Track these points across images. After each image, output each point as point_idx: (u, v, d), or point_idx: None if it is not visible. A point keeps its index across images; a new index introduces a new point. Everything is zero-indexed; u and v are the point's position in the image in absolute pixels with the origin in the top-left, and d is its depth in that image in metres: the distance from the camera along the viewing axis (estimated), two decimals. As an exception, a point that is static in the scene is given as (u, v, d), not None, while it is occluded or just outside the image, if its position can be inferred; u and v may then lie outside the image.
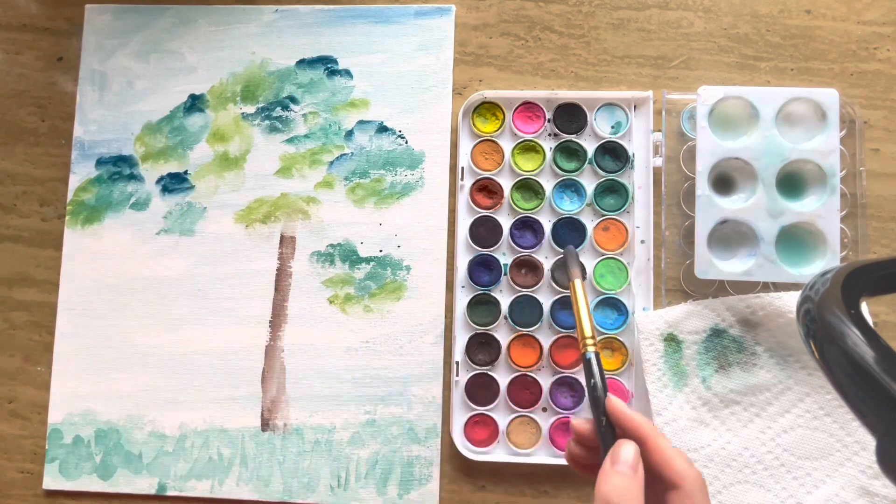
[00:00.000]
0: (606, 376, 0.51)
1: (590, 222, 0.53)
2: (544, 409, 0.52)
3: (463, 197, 0.54)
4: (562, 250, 0.52)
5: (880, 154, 0.53)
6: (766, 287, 0.51)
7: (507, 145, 0.54)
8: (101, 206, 0.56)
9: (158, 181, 0.56)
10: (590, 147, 0.53)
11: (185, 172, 0.56)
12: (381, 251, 0.54)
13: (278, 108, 0.56)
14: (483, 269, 0.53)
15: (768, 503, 0.48)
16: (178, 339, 0.54)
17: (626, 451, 0.37)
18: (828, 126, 0.50)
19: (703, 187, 0.50)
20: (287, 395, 0.53)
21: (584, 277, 0.46)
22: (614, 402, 0.39)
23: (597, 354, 0.41)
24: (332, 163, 0.55)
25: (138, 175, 0.56)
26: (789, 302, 0.49)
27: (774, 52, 0.54)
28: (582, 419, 0.40)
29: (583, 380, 0.51)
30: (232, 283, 0.54)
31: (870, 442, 0.48)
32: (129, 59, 0.57)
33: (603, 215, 0.53)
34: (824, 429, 0.49)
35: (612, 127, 0.54)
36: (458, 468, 0.52)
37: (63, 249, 0.56)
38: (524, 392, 0.52)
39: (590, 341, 0.41)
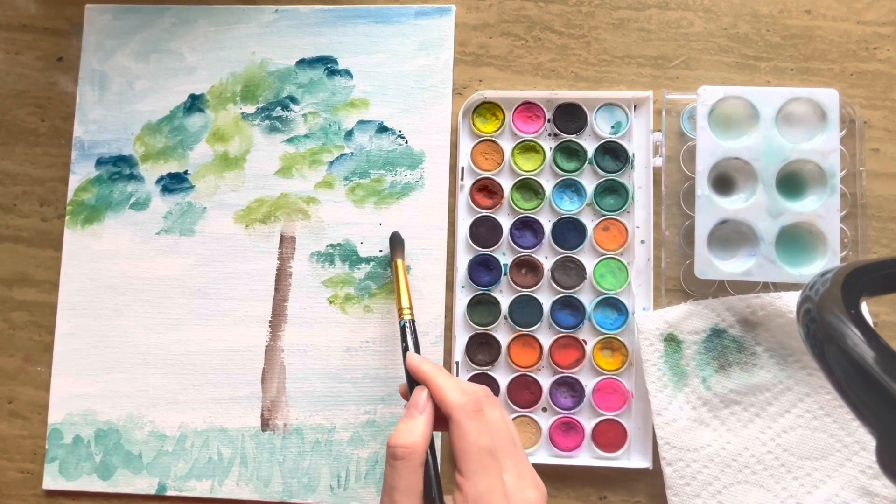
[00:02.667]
0: (606, 377, 0.52)
1: (590, 222, 0.53)
2: (544, 409, 0.52)
3: (463, 197, 0.54)
4: (562, 250, 0.52)
5: (880, 154, 0.53)
6: (766, 287, 0.51)
7: (507, 145, 0.54)
8: (100, 206, 0.56)
9: (158, 181, 0.56)
10: (590, 147, 0.54)
11: (185, 172, 0.56)
12: (381, 251, 0.54)
13: (278, 108, 0.56)
14: (483, 269, 0.53)
15: (768, 503, 0.48)
16: (178, 338, 0.54)
17: (416, 396, 0.41)
18: (828, 126, 0.50)
19: (703, 187, 0.50)
20: (287, 395, 0.53)
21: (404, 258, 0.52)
22: (409, 357, 0.43)
23: (411, 322, 0.47)
24: (331, 163, 0.55)
25: (138, 175, 0.56)
26: (789, 302, 0.49)
27: (774, 52, 0.54)
28: (404, 384, 0.45)
29: (582, 379, 0.52)
30: (232, 283, 0.54)
31: (870, 442, 0.48)
32: (128, 59, 0.57)
33: (603, 215, 0.53)
34: (824, 429, 0.49)
35: (612, 127, 0.54)
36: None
37: (63, 249, 0.56)
38: (524, 392, 0.52)
39: (406, 311, 0.47)
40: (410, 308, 0.47)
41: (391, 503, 0.38)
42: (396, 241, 0.52)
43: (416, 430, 0.39)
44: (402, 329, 0.46)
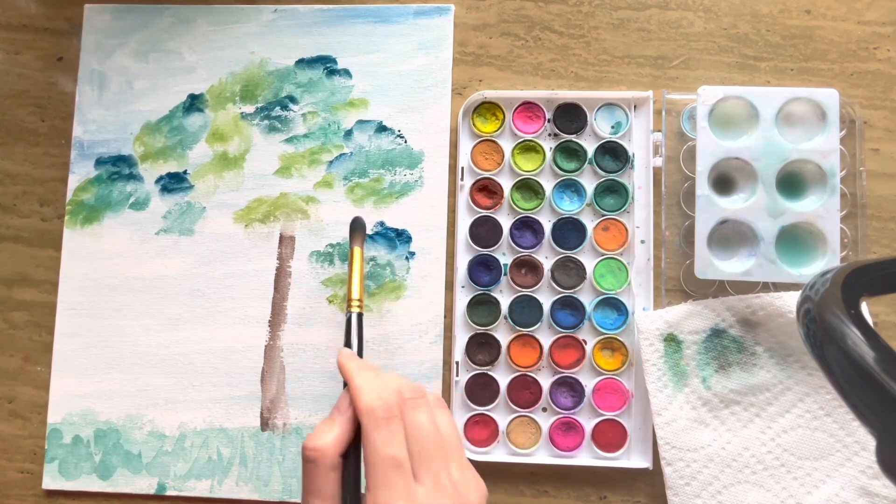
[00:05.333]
0: (606, 377, 0.51)
1: (590, 222, 0.53)
2: (544, 409, 0.52)
3: (463, 197, 0.54)
4: (562, 250, 0.52)
5: (880, 154, 0.53)
6: (766, 287, 0.51)
7: (507, 145, 0.54)
8: (100, 205, 0.56)
9: (158, 181, 0.56)
10: (590, 147, 0.53)
11: (185, 172, 0.56)
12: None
13: (277, 108, 0.56)
14: (483, 269, 0.53)
15: (768, 503, 0.48)
16: (177, 338, 0.54)
17: (341, 396, 0.39)
18: (828, 126, 0.50)
19: (703, 187, 0.50)
20: (286, 395, 0.53)
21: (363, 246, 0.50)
22: (341, 353, 0.42)
23: (359, 315, 0.45)
24: (331, 162, 0.55)
25: (137, 175, 0.56)
26: (789, 302, 0.49)
27: (774, 52, 0.54)
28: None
29: (583, 379, 0.51)
30: (231, 283, 0.54)
31: (870, 442, 0.48)
32: (128, 58, 0.57)
33: (603, 215, 0.53)
34: (824, 429, 0.49)
35: (612, 127, 0.54)
36: (457, 468, 0.52)
37: (62, 249, 0.56)
38: (524, 392, 0.52)
39: (355, 303, 0.45)
40: (360, 300, 0.45)
41: None
42: (357, 226, 0.50)
43: (329, 432, 0.37)
44: (348, 321, 0.44)
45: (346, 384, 0.40)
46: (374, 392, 0.37)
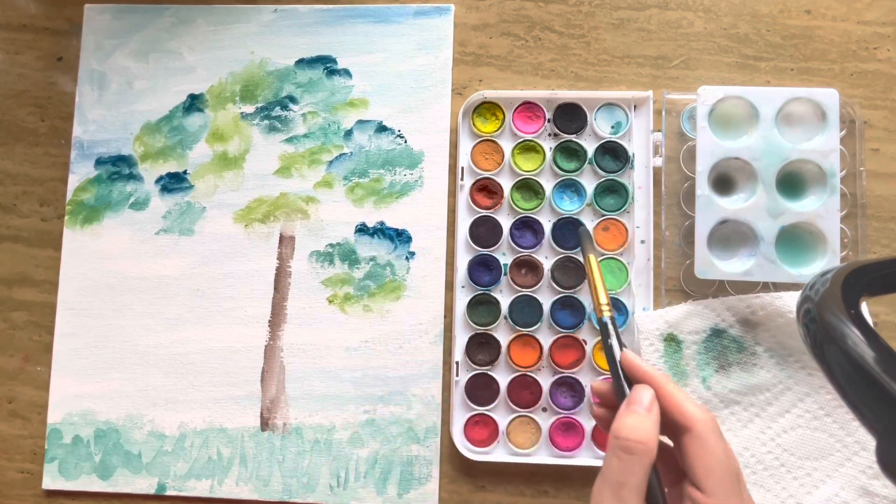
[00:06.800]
0: (605, 377, 0.51)
1: (590, 222, 0.53)
2: (544, 409, 0.52)
3: (463, 197, 0.54)
4: (562, 250, 0.52)
5: (880, 154, 0.53)
6: (766, 287, 0.51)
7: (507, 145, 0.54)
8: (100, 205, 0.56)
9: (158, 181, 0.56)
10: (590, 147, 0.53)
11: (185, 172, 0.56)
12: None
13: (277, 108, 0.56)
14: (483, 269, 0.53)
15: (768, 503, 0.48)
16: (177, 338, 0.54)
17: (640, 393, 0.37)
18: (828, 126, 0.50)
19: (703, 187, 0.50)
20: (286, 395, 0.53)
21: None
22: (628, 354, 0.40)
23: (612, 319, 0.42)
24: (331, 162, 0.55)
25: (137, 175, 0.56)
26: (789, 302, 0.49)
27: (774, 52, 0.54)
28: (600, 380, 0.41)
29: (582, 379, 0.51)
30: (231, 283, 0.54)
31: (870, 442, 0.48)
32: (128, 58, 0.57)
33: (603, 215, 0.53)
34: (824, 429, 0.49)
35: (612, 127, 0.54)
36: (457, 468, 0.52)
37: (62, 249, 0.56)
38: (524, 392, 0.52)
39: (605, 308, 0.42)
40: (609, 305, 0.43)
41: (618, 499, 0.35)
42: (585, 237, 0.47)
43: (648, 427, 0.36)
44: (604, 326, 0.42)
45: (619, 383, 0.39)
46: (693, 402, 0.37)
